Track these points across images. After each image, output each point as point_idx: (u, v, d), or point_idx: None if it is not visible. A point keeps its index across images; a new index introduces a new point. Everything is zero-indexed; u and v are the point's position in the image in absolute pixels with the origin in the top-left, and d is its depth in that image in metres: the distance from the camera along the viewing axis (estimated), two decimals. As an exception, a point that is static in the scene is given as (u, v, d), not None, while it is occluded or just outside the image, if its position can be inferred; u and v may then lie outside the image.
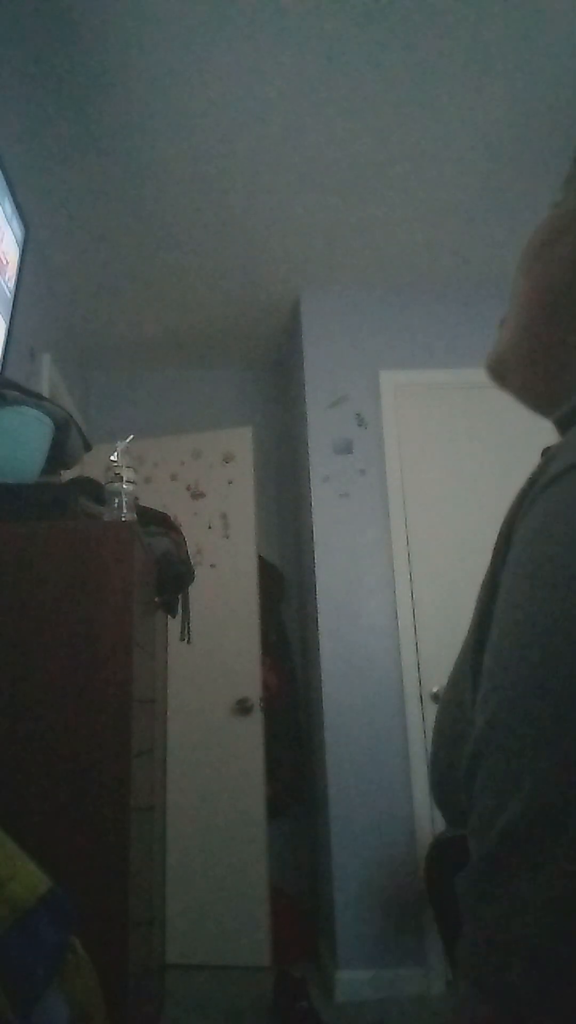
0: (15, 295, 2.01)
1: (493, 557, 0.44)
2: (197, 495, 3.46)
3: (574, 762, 0.32)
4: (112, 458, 1.63)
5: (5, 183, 1.90)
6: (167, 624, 2.30)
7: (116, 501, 1.60)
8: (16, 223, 2.00)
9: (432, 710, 2.86)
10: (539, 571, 0.37)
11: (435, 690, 2.87)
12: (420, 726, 2.83)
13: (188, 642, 2.19)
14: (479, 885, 0.36)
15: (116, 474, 1.61)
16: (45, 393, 2.73)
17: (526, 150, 2.45)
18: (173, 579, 1.99)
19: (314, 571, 3.03)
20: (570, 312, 0.48)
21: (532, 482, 0.42)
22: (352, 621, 2.97)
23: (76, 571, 1.46)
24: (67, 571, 1.46)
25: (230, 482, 3.44)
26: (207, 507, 3.43)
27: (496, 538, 0.44)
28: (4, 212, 1.91)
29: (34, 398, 1.69)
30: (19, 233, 2.03)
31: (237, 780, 3.10)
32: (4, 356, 1.91)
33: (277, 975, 2.62)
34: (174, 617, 2.14)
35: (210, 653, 3.21)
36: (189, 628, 2.17)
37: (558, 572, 0.36)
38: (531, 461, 0.47)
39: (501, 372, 0.57)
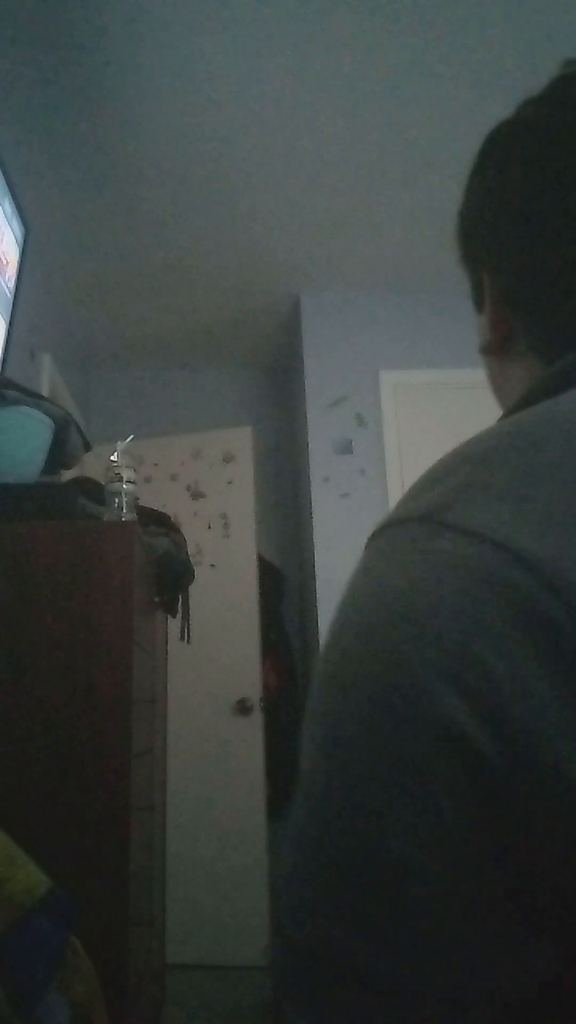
0: (15, 295, 2.00)
1: None
2: (197, 495, 3.46)
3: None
4: (112, 458, 1.62)
5: (5, 183, 1.90)
6: (167, 624, 2.30)
7: (116, 501, 1.60)
8: (16, 223, 2.00)
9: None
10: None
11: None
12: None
13: (188, 642, 2.19)
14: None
15: (116, 474, 1.61)
16: (45, 393, 2.73)
17: (526, 150, 2.45)
18: (173, 579, 1.99)
19: (314, 571, 3.03)
20: (491, 382, 0.58)
21: None
22: (352, 621, 2.96)
23: (76, 571, 1.46)
24: (67, 571, 1.46)
25: (230, 482, 3.44)
26: (207, 507, 3.43)
27: None
28: (4, 212, 1.91)
29: (34, 398, 1.69)
30: (19, 233, 2.03)
31: (237, 780, 3.10)
32: (4, 356, 1.91)
33: (277, 975, 2.62)
34: (174, 617, 2.14)
35: (210, 653, 3.21)
36: (189, 628, 2.17)
37: (326, 647, 0.38)
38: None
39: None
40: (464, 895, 0.32)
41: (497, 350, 0.53)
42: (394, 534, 0.37)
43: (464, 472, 0.36)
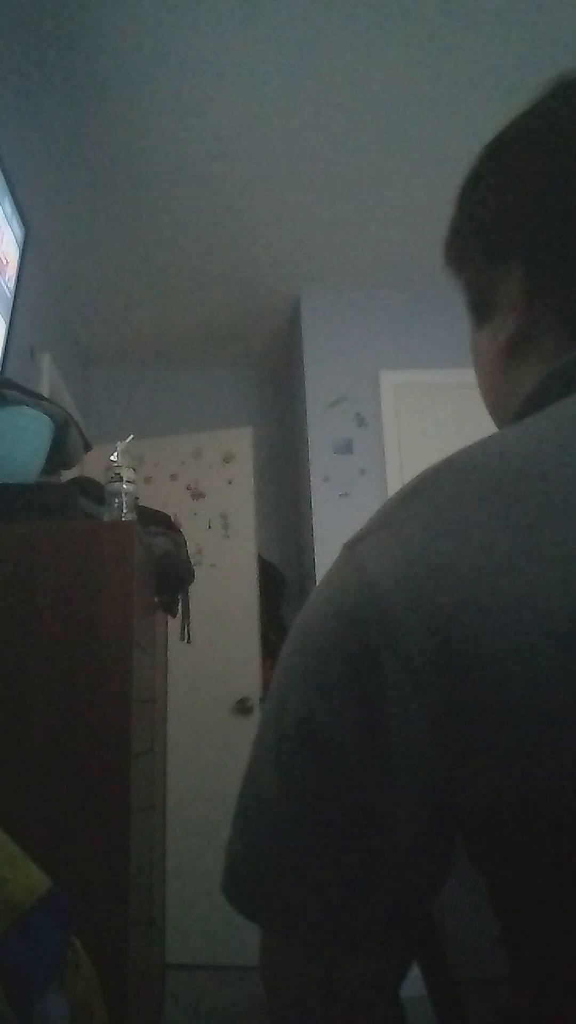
0: (15, 295, 2.00)
1: None
2: (197, 495, 3.46)
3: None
4: (112, 458, 1.63)
5: (5, 183, 1.90)
6: (167, 624, 2.30)
7: (116, 501, 1.60)
8: (16, 223, 2.00)
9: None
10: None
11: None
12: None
13: (188, 642, 2.19)
14: None
15: (116, 474, 1.61)
16: (45, 393, 2.73)
17: (526, 150, 2.45)
18: (173, 579, 1.99)
19: (314, 571, 3.03)
20: (491, 398, 0.58)
21: None
22: (352, 621, 2.96)
23: (76, 571, 1.46)
24: (67, 571, 1.46)
25: (230, 482, 3.44)
26: (207, 507, 3.43)
27: None
28: (4, 212, 1.91)
29: (34, 398, 1.69)
30: (19, 233, 2.03)
31: (237, 780, 3.07)
32: (4, 356, 1.91)
33: (277, 975, 2.62)
34: (174, 617, 2.14)
35: (210, 653, 3.21)
36: (189, 628, 2.17)
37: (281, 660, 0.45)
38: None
39: None
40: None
41: (508, 353, 0.52)
42: (340, 554, 0.45)
43: (392, 504, 0.42)
